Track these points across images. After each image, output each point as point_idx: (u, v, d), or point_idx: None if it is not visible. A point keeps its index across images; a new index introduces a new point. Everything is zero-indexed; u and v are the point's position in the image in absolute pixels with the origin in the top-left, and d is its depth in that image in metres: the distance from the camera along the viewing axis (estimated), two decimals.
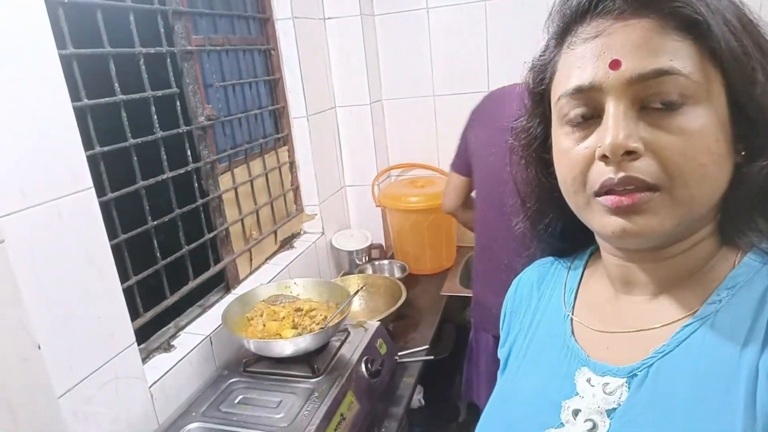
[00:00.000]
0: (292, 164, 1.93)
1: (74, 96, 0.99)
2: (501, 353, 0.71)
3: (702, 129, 0.45)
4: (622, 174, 0.45)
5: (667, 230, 0.47)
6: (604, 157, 0.46)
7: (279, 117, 1.87)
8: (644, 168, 0.45)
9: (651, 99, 0.45)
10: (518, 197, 0.66)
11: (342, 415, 1.12)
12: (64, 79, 0.94)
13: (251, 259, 1.69)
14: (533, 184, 0.62)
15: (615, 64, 0.46)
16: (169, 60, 1.33)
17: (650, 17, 0.45)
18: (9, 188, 0.84)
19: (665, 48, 0.45)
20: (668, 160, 0.45)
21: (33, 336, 0.79)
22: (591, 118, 0.49)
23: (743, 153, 0.48)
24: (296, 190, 1.96)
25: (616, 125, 0.45)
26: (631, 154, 0.45)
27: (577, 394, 0.55)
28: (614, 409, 0.51)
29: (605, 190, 0.47)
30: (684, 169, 0.45)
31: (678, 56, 0.44)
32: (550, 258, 0.69)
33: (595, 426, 0.52)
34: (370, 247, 2.08)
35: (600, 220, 0.49)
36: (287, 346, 1.19)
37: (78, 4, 1.06)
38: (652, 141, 0.45)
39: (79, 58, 1.05)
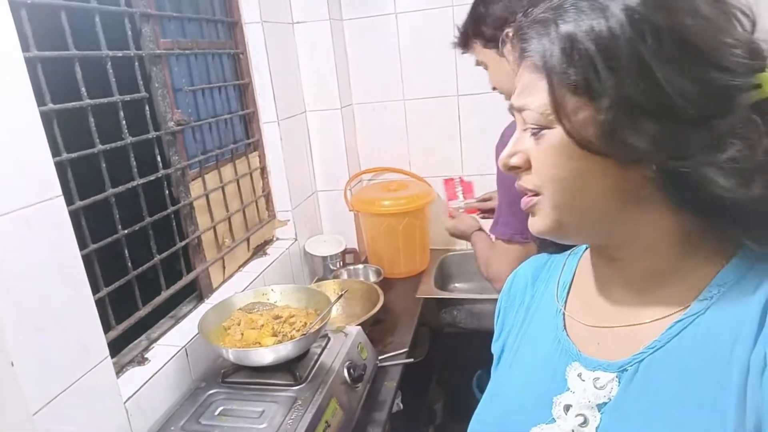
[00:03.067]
0: (264, 170, 1.90)
1: (39, 100, 0.95)
2: (495, 348, 0.72)
3: (552, 148, 0.50)
4: (518, 182, 0.55)
5: (549, 228, 0.54)
6: None
7: (249, 122, 1.84)
8: (529, 178, 0.54)
9: (528, 125, 0.53)
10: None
11: (327, 422, 1.10)
12: (29, 82, 0.90)
13: (224, 267, 1.65)
14: None
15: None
16: (137, 64, 1.29)
17: (526, 61, 0.52)
18: None
19: (527, 86, 0.52)
20: (535, 171, 0.53)
21: (6, 353, 0.74)
22: None
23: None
24: (268, 196, 1.93)
25: (508, 145, 0.55)
26: (518, 168, 0.54)
27: (568, 389, 0.55)
28: (605, 404, 0.52)
29: None
30: (541, 179, 0.52)
31: (533, 92, 0.51)
32: (545, 254, 0.70)
33: (585, 421, 0.52)
34: (344, 252, 2.07)
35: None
36: (268, 354, 1.16)
37: (42, 6, 1.01)
38: (530, 157, 0.53)
39: (44, 61, 1.01)
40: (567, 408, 0.54)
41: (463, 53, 1.34)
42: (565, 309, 0.62)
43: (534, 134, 0.52)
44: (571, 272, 0.65)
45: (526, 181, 0.54)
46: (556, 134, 0.50)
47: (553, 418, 0.55)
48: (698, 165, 0.45)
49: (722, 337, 0.47)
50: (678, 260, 0.52)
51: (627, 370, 0.51)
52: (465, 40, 1.28)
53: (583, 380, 0.54)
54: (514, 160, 0.55)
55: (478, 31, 1.22)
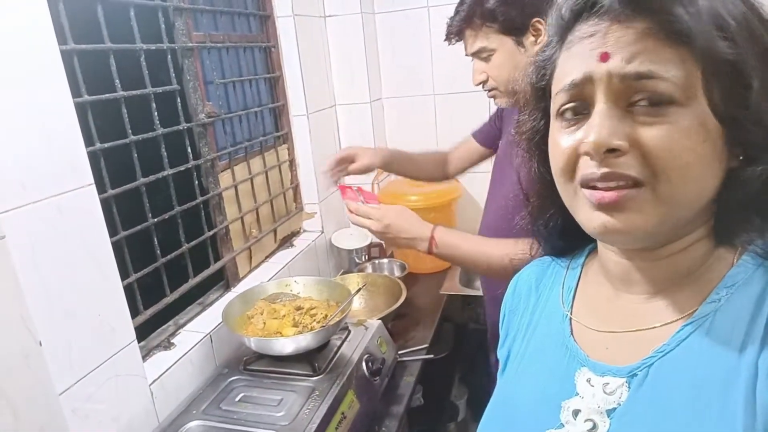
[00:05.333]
0: (292, 162, 1.93)
1: (75, 92, 0.98)
2: (500, 354, 0.71)
3: (687, 129, 0.45)
4: (604, 169, 0.46)
5: (650, 228, 0.47)
6: (587, 153, 0.48)
7: (279, 115, 1.86)
8: (629, 163, 0.46)
9: (636, 97, 0.46)
10: (521, 192, 0.66)
11: (343, 413, 1.11)
12: (65, 74, 0.93)
13: (251, 257, 1.68)
14: (534, 178, 0.62)
15: (604, 56, 0.47)
16: (169, 56, 1.32)
17: (644, 22, 0.46)
18: (10, 183, 0.83)
19: (653, 52, 0.45)
20: (652, 156, 0.45)
21: (34, 332, 0.78)
22: (583, 113, 0.50)
23: (741, 158, 0.48)
24: (296, 188, 1.95)
25: (600, 123, 0.46)
26: (614, 151, 0.46)
27: (576, 394, 0.55)
28: (614, 409, 0.51)
29: (588, 183, 0.48)
30: (667, 165, 0.45)
31: (664, 61, 0.45)
32: (548, 258, 0.69)
33: (595, 426, 0.52)
34: (370, 245, 2.08)
35: (585, 214, 0.50)
36: (288, 344, 1.18)
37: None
38: (637, 138, 0.46)
39: (80, 53, 1.04)
40: (576, 413, 0.54)
41: (455, 42, 1.25)
42: (571, 314, 0.61)
43: (653, 108, 0.45)
44: (576, 276, 0.64)
45: (622, 166, 0.46)
46: (689, 112, 0.45)
47: (562, 423, 0.54)
48: None
49: (730, 339, 0.47)
50: (700, 261, 0.52)
51: (637, 375, 0.51)
52: (468, 25, 1.19)
53: (593, 385, 0.54)
54: (619, 141, 0.46)
55: (500, 16, 1.14)
